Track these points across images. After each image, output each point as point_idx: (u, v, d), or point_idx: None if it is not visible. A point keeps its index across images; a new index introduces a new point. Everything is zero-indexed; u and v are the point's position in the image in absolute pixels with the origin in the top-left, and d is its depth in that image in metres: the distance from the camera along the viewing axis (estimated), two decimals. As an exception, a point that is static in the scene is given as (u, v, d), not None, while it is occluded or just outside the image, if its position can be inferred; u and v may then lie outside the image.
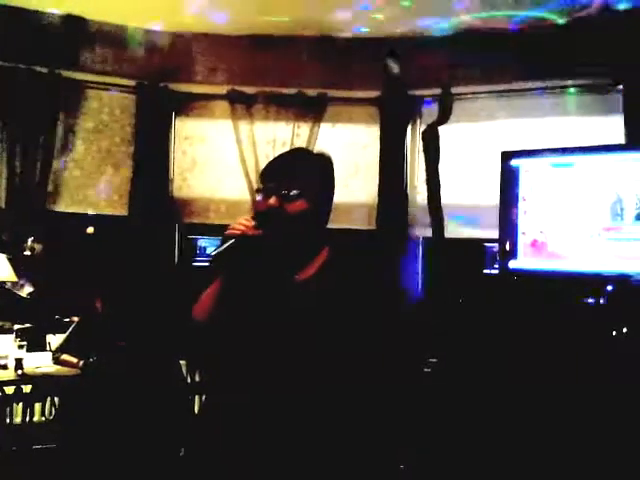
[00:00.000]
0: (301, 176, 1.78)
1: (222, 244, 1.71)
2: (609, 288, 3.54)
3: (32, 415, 4.10)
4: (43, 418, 4.28)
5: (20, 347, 3.96)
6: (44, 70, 4.47)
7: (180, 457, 3.85)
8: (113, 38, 4.60)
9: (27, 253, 4.62)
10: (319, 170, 1.84)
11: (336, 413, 1.71)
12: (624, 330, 3.35)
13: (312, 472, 1.70)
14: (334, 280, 1.77)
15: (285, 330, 1.75)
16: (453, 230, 4.59)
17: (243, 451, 1.74)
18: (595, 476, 3.13)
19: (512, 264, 3.89)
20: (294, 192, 1.75)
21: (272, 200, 1.75)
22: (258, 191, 1.82)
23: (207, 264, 1.76)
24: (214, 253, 1.71)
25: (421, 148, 4.70)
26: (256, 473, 1.72)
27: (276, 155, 1.91)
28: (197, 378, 4.49)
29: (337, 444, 1.71)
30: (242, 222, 1.73)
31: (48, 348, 4.34)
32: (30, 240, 4.63)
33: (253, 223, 1.72)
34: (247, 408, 1.76)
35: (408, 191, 4.76)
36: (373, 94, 4.77)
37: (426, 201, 4.64)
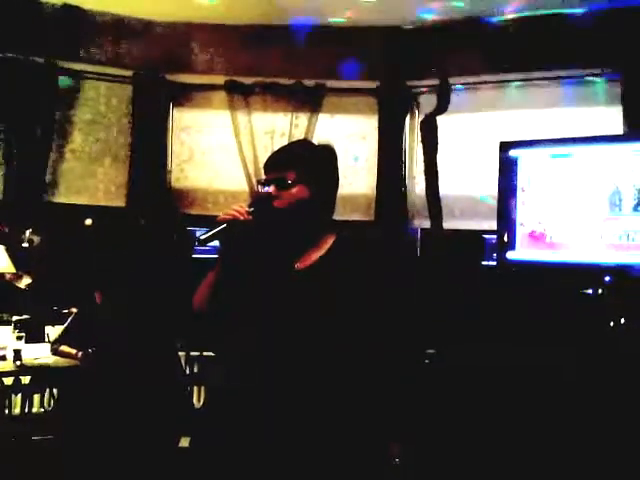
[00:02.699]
0: (299, 164, 1.79)
1: (212, 228, 1.73)
2: (607, 279, 3.55)
3: (31, 406, 4.11)
4: (42, 409, 4.29)
5: (19, 338, 3.97)
6: (41, 60, 4.45)
7: (178, 448, 3.87)
8: (110, 28, 4.57)
9: (25, 245, 4.62)
10: (320, 159, 1.85)
11: (335, 404, 1.72)
12: (622, 321, 3.36)
13: (313, 458, 1.71)
14: (334, 272, 1.77)
15: (278, 319, 1.75)
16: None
17: (246, 438, 1.75)
18: (594, 468, 3.14)
19: (510, 255, 3.90)
20: (290, 179, 1.76)
21: (271, 188, 1.77)
22: (260, 183, 1.83)
23: (198, 247, 1.78)
24: (202, 237, 1.72)
25: (419, 139, 4.69)
26: (258, 461, 1.73)
27: (277, 146, 1.92)
28: (195, 369, 4.50)
29: (336, 434, 1.72)
30: (235, 207, 1.74)
31: (46, 339, 4.34)
32: (28, 232, 4.62)
33: (246, 209, 1.73)
34: (248, 396, 1.77)
35: (407, 182, 4.76)
36: (372, 84, 4.76)
37: (424, 192, 4.64)
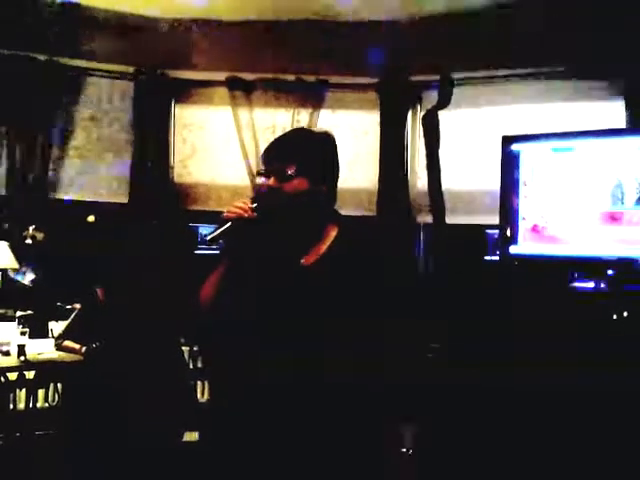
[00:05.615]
0: (299, 155, 1.77)
1: (219, 227, 1.72)
2: (610, 272, 3.55)
3: (35, 401, 4.12)
4: (46, 404, 4.30)
5: (22, 334, 3.98)
6: (43, 57, 4.46)
7: (182, 443, 3.88)
8: (112, 25, 4.57)
9: (29, 241, 4.63)
10: (320, 149, 1.83)
11: (344, 402, 1.72)
12: (625, 314, 3.35)
13: (317, 456, 1.71)
14: (339, 266, 1.76)
15: (286, 317, 1.75)
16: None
17: (250, 433, 1.75)
18: (595, 461, 3.15)
19: (513, 249, 3.89)
20: (291, 171, 1.75)
21: (270, 181, 1.76)
22: (259, 174, 1.82)
23: (206, 249, 1.77)
24: (210, 237, 1.72)
25: (421, 134, 4.69)
26: (262, 458, 1.73)
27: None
28: (199, 364, 4.51)
29: (341, 428, 1.72)
30: (238, 205, 1.73)
31: (50, 335, 4.36)
32: (31, 228, 4.63)
33: (250, 205, 1.73)
34: (253, 394, 1.77)
35: (409, 177, 4.75)
36: (373, 80, 4.76)
37: (427, 187, 4.64)
